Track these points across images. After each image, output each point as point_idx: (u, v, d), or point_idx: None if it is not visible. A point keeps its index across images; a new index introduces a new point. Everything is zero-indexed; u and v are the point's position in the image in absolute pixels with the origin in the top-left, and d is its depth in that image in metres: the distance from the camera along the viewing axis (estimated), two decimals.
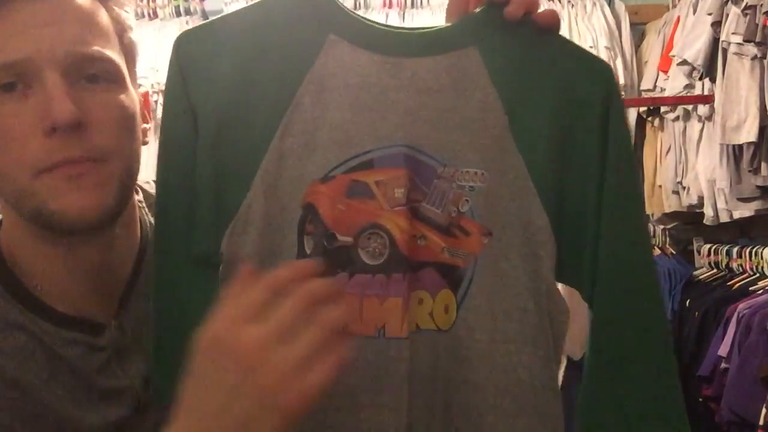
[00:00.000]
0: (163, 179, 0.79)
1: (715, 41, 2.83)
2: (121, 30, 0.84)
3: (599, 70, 0.81)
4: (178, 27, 3.62)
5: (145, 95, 0.92)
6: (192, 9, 3.84)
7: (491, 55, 0.78)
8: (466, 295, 0.77)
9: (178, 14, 3.83)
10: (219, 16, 0.80)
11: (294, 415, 0.61)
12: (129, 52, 0.85)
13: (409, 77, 0.77)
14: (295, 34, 0.78)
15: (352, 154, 0.75)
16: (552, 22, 0.80)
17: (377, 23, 0.81)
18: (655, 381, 0.79)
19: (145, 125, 0.88)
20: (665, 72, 3.22)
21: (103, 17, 0.82)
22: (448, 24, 0.82)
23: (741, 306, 2.51)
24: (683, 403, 0.79)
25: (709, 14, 2.83)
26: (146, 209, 0.92)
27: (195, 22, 3.77)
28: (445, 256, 0.77)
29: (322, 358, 0.61)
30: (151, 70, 3.28)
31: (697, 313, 2.78)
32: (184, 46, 0.78)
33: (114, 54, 0.81)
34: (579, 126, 0.78)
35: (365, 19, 0.81)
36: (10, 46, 0.76)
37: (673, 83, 3.12)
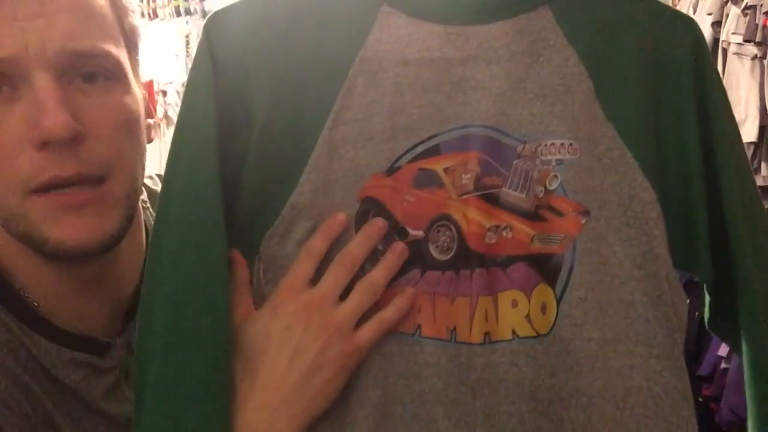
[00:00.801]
0: (173, 184, 0.68)
1: (715, 41, 2.84)
2: (121, 14, 0.75)
3: (684, 25, 0.72)
4: (178, 27, 3.63)
5: (149, 85, 0.81)
6: (192, 9, 3.85)
7: (566, 13, 0.69)
8: (566, 286, 0.67)
9: (178, 14, 3.84)
10: None
11: (348, 366, 0.66)
12: (130, 39, 0.76)
13: (476, 47, 0.68)
14: (343, 7, 0.69)
15: (416, 140, 0.68)
16: None
17: None
18: None
19: (150, 120, 0.78)
20: None
21: (100, 2, 0.72)
22: None
23: None
24: None
25: (709, 14, 2.84)
26: (151, 210, 0.84)
27: (195, 21, 3.78)
28: (536, 246, 0.68)
29: (373, 314, 0.66)
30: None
31: (697, 313, 2.77)
32: (215, 29, 0.69)
33: (113, 47, 0.72)
34: (670, 87, 0.70)
35: None
36: None
37: None
